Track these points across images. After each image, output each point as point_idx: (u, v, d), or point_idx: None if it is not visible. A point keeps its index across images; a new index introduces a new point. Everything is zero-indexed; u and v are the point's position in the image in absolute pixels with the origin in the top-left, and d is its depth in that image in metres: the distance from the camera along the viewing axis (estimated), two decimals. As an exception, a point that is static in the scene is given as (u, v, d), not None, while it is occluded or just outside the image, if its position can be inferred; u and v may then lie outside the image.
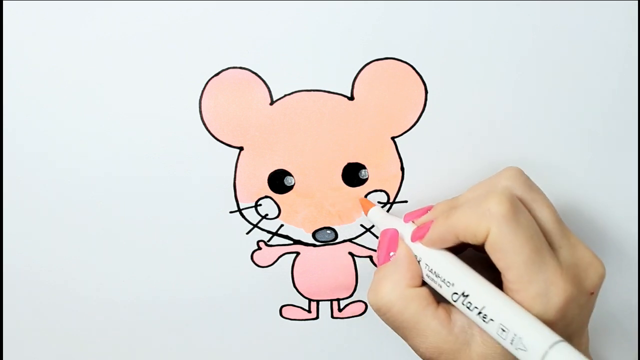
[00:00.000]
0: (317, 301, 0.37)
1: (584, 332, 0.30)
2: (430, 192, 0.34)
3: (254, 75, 0.32)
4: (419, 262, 0.30)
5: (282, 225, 0.35)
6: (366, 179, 0.34)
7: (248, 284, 0.36)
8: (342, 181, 0.34)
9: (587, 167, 0.35)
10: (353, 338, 0.38)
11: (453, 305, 0.29)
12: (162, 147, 0.33)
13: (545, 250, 0.27)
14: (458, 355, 0.28)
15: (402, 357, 0.37)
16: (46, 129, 0.32)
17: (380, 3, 0.31)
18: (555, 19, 0.32)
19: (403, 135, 0.33)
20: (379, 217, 0.33)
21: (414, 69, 0.32)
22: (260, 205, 0.34)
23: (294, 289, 0.36)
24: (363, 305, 0.37)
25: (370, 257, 0.36)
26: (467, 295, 0.27)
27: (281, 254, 0.36)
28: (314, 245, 0.35)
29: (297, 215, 0.35)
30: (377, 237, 0.35)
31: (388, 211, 0.35)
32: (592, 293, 0.29)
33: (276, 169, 0.34)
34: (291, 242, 0.35)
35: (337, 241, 0.35)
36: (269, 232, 0.35)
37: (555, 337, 0.25)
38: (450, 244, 0.29)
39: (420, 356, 0.30)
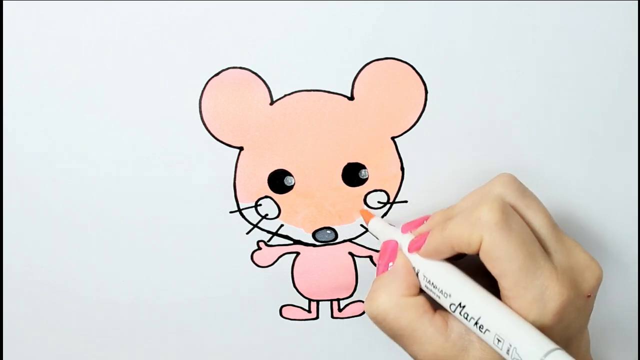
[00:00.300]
0: (317, 301, 0.37)
1: (583, 334, 0.30)
2: (430, 192, 0.34)
3: (254, 75, 0.32)
4: (417, 273, 0.31)
5: (282, 225, 0.35)
6: (366, 179, 0.34)
7: (248, 284, 0.36)
8: (342, 181, 0.34)
9: (587, 167, 0.35)
10: (353, 338, 0.38)
11: (450, 312, 0.29)
12: (162, 147, 0.33)
13: (540, 255, 0.27)
14: None
15: (402, 357, 0.37)
16: (46, 129, 0.32)
17: (380, 3, 0.31)
18: (555, 19, 0.32)
19: (403, 135, 0.33)
20: (379, 228, 0.34)
21: (414, 69, 0.32)
22: (260, 205, 0.34)
23: (294, 289, 0.36)
24: (363, 305, 0.37)
25: (370, 257, 0.36)
26: (464, 306, 0.28)
27: (281, 254, 0.36)
28: (314, 245, 0.35)
29: (297, 215, 0.35)
30: (377, 238, 0.35)
31: (388, 211, 0.35)
32: (589, 296, 0.29)
33: (276, 169, 0.34)
34: (291, 242, 0.35)
35: (337, 241, 0.35)
36: (269, 232, 0.35)
37: (550, 346, 0.25)
38: (446, 255, 0.30)
39: None
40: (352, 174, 0.34)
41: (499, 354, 0.27)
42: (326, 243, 0.35)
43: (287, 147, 0.33)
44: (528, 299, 0.27)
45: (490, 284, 0.28)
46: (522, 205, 0.29)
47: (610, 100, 0.33)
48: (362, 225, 0.35)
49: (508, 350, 0.26)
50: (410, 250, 0.31)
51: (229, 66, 0.32)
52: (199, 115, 0.32)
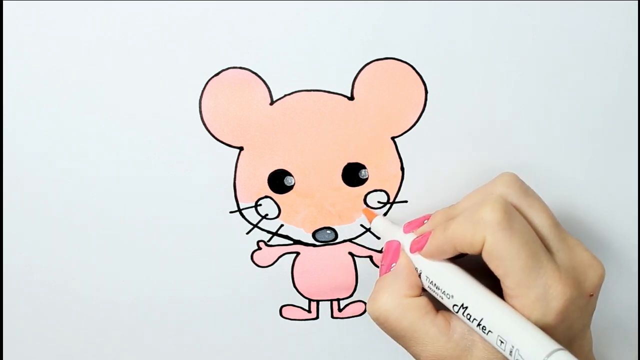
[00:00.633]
0: (317, 301, 0.37)
1: (586, 334, 0.30)
2: (430, 192, 0.34)
3: (254, 75, 0.32)
4: (419, 274, 0.31)
5: (282, 225, 0.35)
6: (366, 179, 0.34)
7: (248, 284, 0.36)
8: (342, 181, 0.34)
9: (587, 167, 0.35)
10: (353, 338, 0.38)
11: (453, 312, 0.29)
12: (162, 147, 0.33)
13: (542, 254, 0.27)
14: None
15: (402, 357, 0.37)
16: (46, 129, 0.32)
17: (380, 3, 0.31)
18: (555, 19, 0.32)
19: (403, 135, 0.33)
20: (382, 228, 0.34)
21: (414, 69, 0.32)
22: (260, 205, 0.34)
23: (294, 289, 0.36)
24: (363, 305, 0.37)
25: (371, 257, 0.36)
26: (466, 307, 0.28)
27: (281, 254, 0.36)
28: (314, 245, 0.35)
29: (297, 215, 0.35)
30: (377, 237, 0.35)
31: (388, 211, 0.35)
32: (591, 295, 0.29)
33: (276, 169, 0.34)
34: (291, 242, 0.35)
35: (337, 241, 0.35)
36: (269, 232, 0.35)
37: (553, 346, 0.25)
38: (449, 255, 0.29)
39: None
40: (352, 174, 0.34)
41: (502, 354, 0.27)
42: (326, 243, 0.35)
43: (287, 147, 0.33)
44: (531, 298, 0.27)
45: (492, 284, 0.28)
46: (525, 204, 0.29)
47: (610, 100, 0.33)
48: (362, 225, 0.35)
49: (511, 352, 0.26)
50: (412, 250, 0.31)
51: (229, 66, 0.32)
52: (199, 115, 0.32)
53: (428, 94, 0.33)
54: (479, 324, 0.27)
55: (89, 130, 0.32)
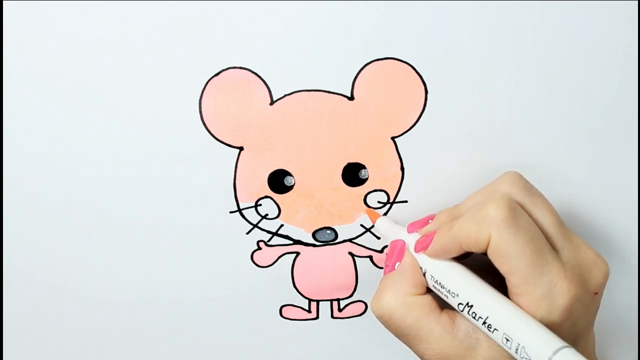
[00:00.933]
0: (317, 301, 0.37)
1: (590, 333, 0.30)
2: (430, 192, 0.34)
3: (254, 75, 0.32)
4: (424, 274, 0.31)
5: (282, 225, 0.35)
6: (366, 179, 0.34)
7: (248, 284, 0.36)
8: (342, 181, 0.34)
9: (587, 167, 0.35)
10: (353, 338, 0.38)
11: (458, 311, 0.29)
12: (162, 147, 0.33)
13: (548, 252, 0.27)
14: None
15: (402, 357, 0.37)
16: (46, 129, 0.32)
17: (380, 3, 0.31)
18: (555, 19, 0.32)
19: (403, 135, 0.33)
20: (385, 228, 0.34)
21: (414, 69, 0.32)
22: (260, 205, 0.34)
23: (294, 289, 0.36)
24: (363, 305, 0.37)
25: (371, 257, 0.36)
26: (471, 306, 0.28)
27: (281, 254, 0.36)
28: (314, 245, 0.35)
29: (297, 215, 0.35)
30: (377, 237, 0.35)
31: (388, 211, 0.35)
32: (596, 293, 0.29)
33: (276, 169, 0.34)
34: (291, 242, 0.35)
35: (337, 241, 0.35)
36: (269, 232, 0.35)
37: (559, 343, 0.25)
38: (454, 254, 0.30)
39: None
40: (352, 174, 0.34)
41: (507, 352, 0.27)
42: (326, 243, 0.35)
43: (287, 147, 0.33)
44: (536, 295, 0.27)
45: (496, 283, 0.28)
46: (529, 202, 0.29)
47: (610, 100, 0.33)
48: (362, 225, 0.35)
49: (517, 350, 0.26)
50: (416, 250, 0.31)
51: (229, 66, 0.32)
52: (199, 115, 0.32)
53: (428, 94, 0.33)
54: (484, 322, 0.27)
55: (89, 130, 0.32)
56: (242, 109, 0.32)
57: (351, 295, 0.37)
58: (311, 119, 0.33)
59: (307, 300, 0.37)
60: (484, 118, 0.33)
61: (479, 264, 0.30)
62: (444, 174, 0.34)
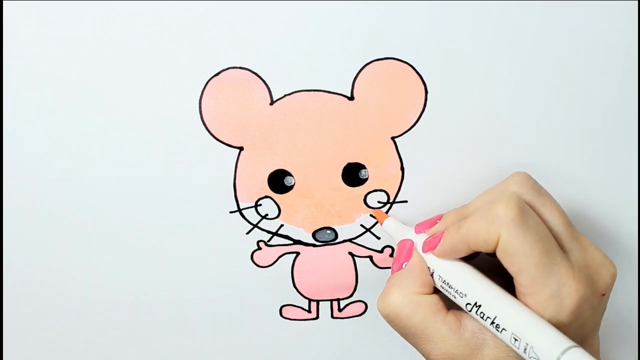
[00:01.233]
0: (317, 301, 0.37)
1: (596, 334, 0.30)
2: (430, 192, 0.34)
3: (254, 75, 0.32)
4: (432, 274, 0.30)
5: (282, 225, 0.35)
6: (366, 179, 0.34)
7: (248, 284, 0.36)
8: (342, 181, 0.34)
9: (587, 167, 0.35)
10: (353, 338, 0.38)
11: (465, 310, 0.29)
12: (162, 147, 0.33)
13: (556, 252, 0.27)
14: None
15: (402, 357, 0.37)
16: (46, 129, 0.32)
17: (380, 3, 0.31)
18: (555, 19, 0.32)
19: (403, 135, 0.33)
20: (393, 229, 0.34)
21: (414, 69, 0.32)
22: (260, 205, 0.34)
23: (294, 289, 0.36)
24: (363, 305, 0.37)
25: (371, 257, 0.36)
26: (479, 306, 0.28)
27: (281, 254, 0.36)
28: (314, 245, 0.35)
29: (297, 215, 0.35)
30: (377, 237, 0.35)
31: (388, 211, 0.35)
32: (604, 294, 0.29)
33: (276, 169, 0.34)
34: (291, 242, 0.35)
35: (337, 241, 0.35)
36: (269, 232, 0.35)
37: (567, 343, 0.25)
38: (462, 254, 0.29)
39: None
40: (352, 174, 0.34)
41: (513, 352, 0.27)
42: (326, 243, 0.35)
43: (287, 147, 0.33)
44: (545, 295, 0.27)
45: (503, 284, 0.28)
46: (538, 203, 0.29)
47: (610, 100, 0.33)
48: (362, 225, 0.35)
49: (525, 349, 0.26)
50: (424, 250, 0.31)
51: (229, 66, 0.32)
52: (199, 115, 0.32)
53: (428, 94, 0.33)
54: (492, 322, 0.27)
55: (89, 130, 0.32)
56: (242, 109, 0.32)
57: (351, 295, 0.37)
58: (311, 119, 0.33)
59: (307, 300, 0.37)
60: (484, 118, 0.33)
61: (486, 265, 0.30)
62: (444, 174, 0.34)
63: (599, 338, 0.31)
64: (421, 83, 0.33)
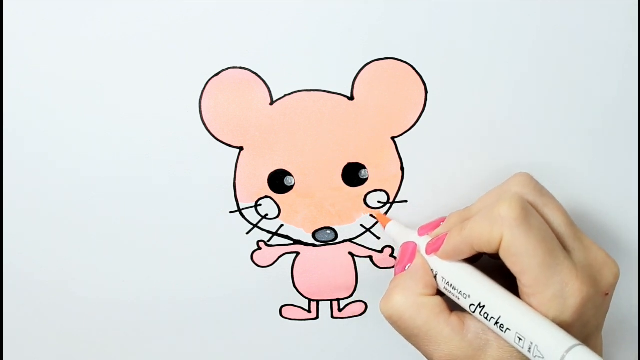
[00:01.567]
0: (317, 301, 0.37)
1: (599, 334, 0.30)
2: (430, 192, 0.34)
3: (254, 75, 0.32)
4: (435, 276, 0.31)
5: (282, 225, 0.35)
6: (366, 179, 0.34)
7: (248, 284, 0.36)
8: (342, 181, 0.34)
9: (587, 167, 0.35)
10: (353, 338, 0.38)
11: (468, 312, 0.29)
12: (162, 147, 0.33)
13: (559, 252, 0.27)
14: None
15: (402, 357, 0.37)
16: (46, 129, 0.32)
17: (380, 3, 0.31)
18: (555, 19, 0.32)
19: (403, 135, 0.33)
20: (396, 232, 0.34)
21: (414, 69, 0.32)
22: (260, 205, 0.34)
23: (294, 289, 0.36)
24: (363, 305, 0.37)
25: (371, 257, 0.36)
26: (483, 306, 0.28)
27: (281, 254, 0.36)
28: (314, 245, 0.35)
29: (297, 215, 0.35)
30: (377, 237, 0.35)
31: (388, 211, 0.35)
32: (607, 294, 0.29)
33: (276, 169, 0.34)
34: (291, 242, 0.35)
35: (337, 241, 0.35)
36: (269, 232, 0.35)
37: (572, 342, 0.25)
38: (466, 256, 0.30)
39: None
40: (352, 174, 0.34)
41: (517, 352, 0.27)
42: (326, 243, 0.35)
43: (287, 147, 0.33)
44: (548, 295, 0.27)
45: (506, 285, 0.28)
46: (540, 203, 0.29)
47: (610, 100, 0.33)
48: (362, 225, 0.35)
49: (530, 348, 0.26)
50: (428, 252, 0.31)
51: (229, 66, 0.32)
52: (199, 115, 0.32)
53: (428, 94, 0.33)
54: (496, 323, 0.27)
55: (89, 130, 0.32)
56: (242, 109, 0.32)
57: (351, 295, 0.37)
58: (311, 119, 0.33)
59: (307, 300, 0.37)
60: (484, 118, 0.33)
61: (489, 267, 0.30)
62: (444, 174, 0.34)
63: (602, 338, 0.31)
64: (421, 83, 0.33)
